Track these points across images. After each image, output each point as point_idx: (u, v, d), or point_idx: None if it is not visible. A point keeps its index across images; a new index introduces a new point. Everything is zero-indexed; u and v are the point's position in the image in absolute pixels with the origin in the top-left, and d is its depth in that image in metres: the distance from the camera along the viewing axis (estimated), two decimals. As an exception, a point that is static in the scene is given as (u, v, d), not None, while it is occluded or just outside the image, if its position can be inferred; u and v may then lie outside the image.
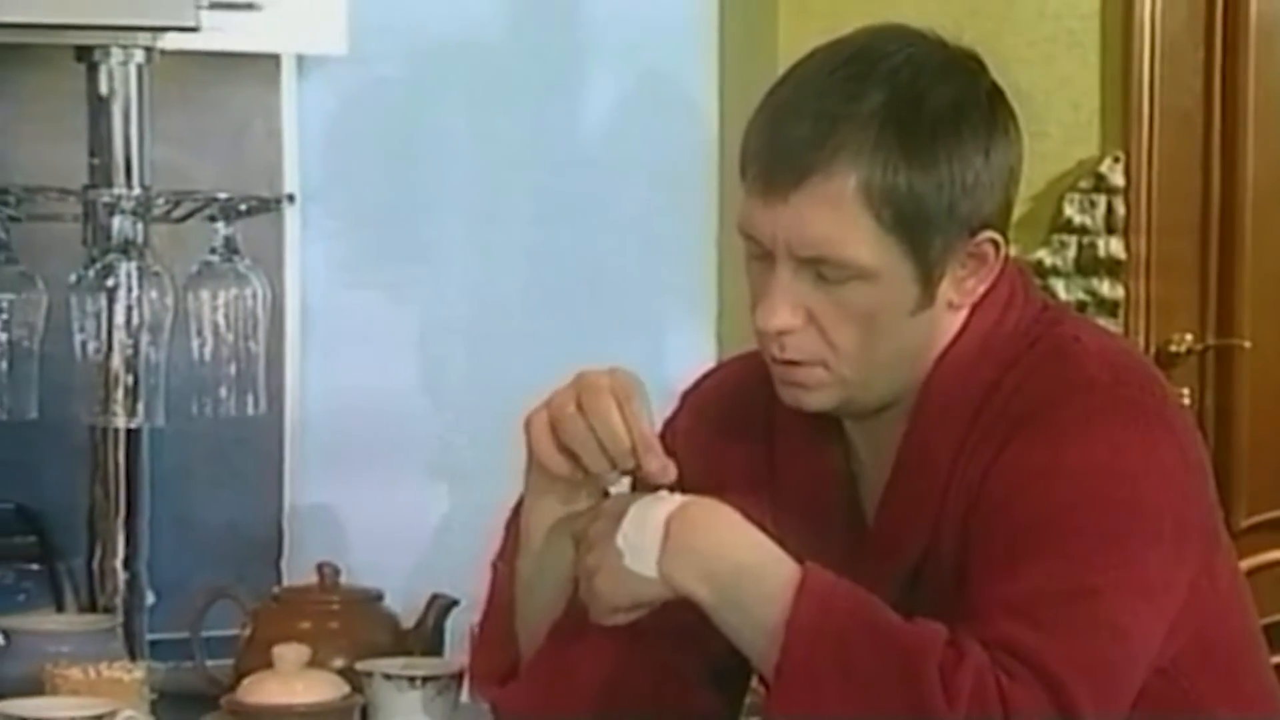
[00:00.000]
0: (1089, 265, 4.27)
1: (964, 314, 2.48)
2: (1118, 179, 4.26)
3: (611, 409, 2.44)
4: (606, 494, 2.51)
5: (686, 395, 2.70)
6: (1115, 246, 4.27)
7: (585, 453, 2.46)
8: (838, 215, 2.39)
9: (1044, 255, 4.22)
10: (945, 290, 2.45)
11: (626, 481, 2.50)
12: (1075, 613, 2.32)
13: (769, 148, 2.43)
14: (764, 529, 2.40)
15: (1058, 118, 4.23)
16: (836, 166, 2.38)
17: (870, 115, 2.39)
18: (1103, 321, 4.04)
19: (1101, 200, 4.26)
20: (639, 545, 2.37)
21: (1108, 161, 4.25)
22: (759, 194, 2.43)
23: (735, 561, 2.38)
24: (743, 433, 2.55)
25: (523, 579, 2.56)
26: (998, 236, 2.45)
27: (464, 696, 2.80)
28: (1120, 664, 2.35)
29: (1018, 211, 4.05)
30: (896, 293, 2.42)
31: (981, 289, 2.47)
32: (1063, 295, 4.21)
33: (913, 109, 2.41)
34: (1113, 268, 4.28)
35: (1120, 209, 4.27)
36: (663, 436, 2.56)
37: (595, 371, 2.47)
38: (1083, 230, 4.27)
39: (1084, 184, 4.25)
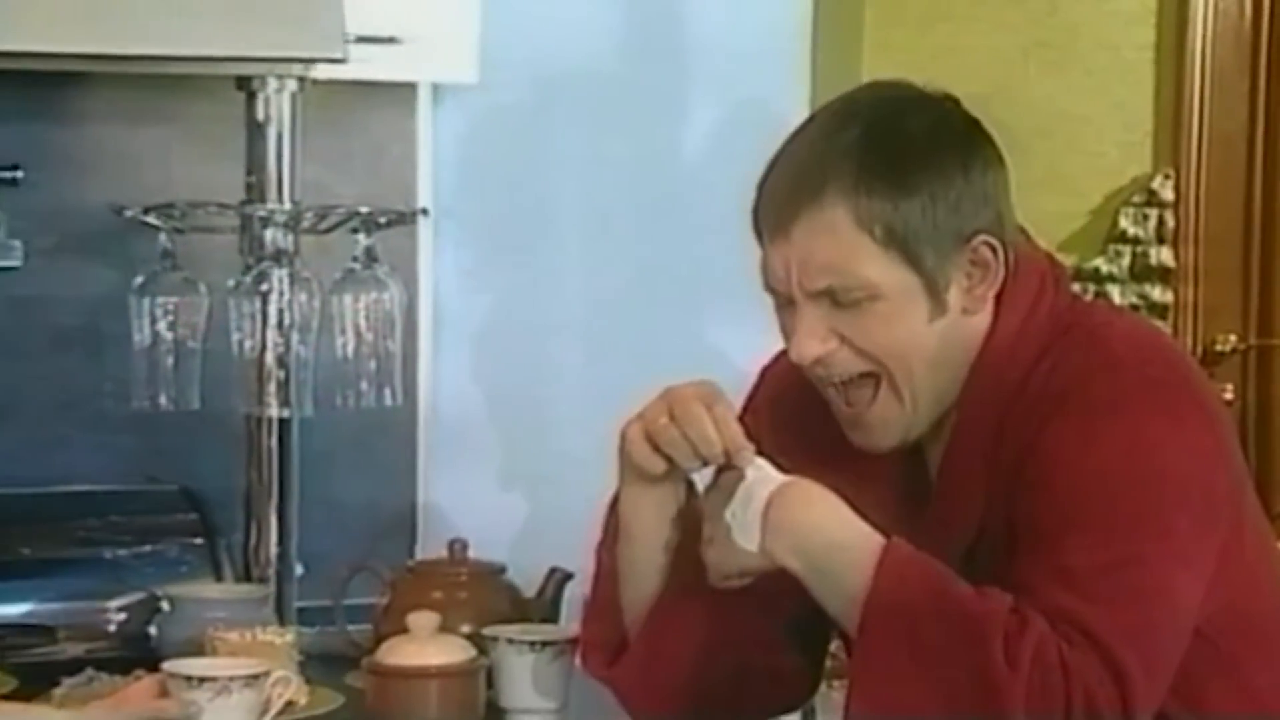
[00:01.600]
0: (1141, 272, 4.26)
1: (988, 316, 2.46)
2: (1168, 194, 4.24)
3: (703, 416, 2.45)
4: (690, 484, 2.52)
5: (765, 371, 2.68)
6: (1165, 255, 4.26)
7: (680, 456, 2.47)
8: (836, 241, 2.39)
9: (1100, 263, 4.21)
10: (955, 298, 2.43)
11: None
12: (1120, 582, 2.31)
13: (769, 194, 2.45)
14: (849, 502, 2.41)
15: (1114, 138, 4.21)
16: (827, 197, 2.39)
17: (851, 145, 2.40)
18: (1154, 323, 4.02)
19: (1153, 213, 4.24)
20: (744, 522, 2.38)
21: (1159, 178, 4.23)
22: (767, 238, 2.45)
23: (826, 537, 2.38)
24: (818, 408, 2.52)
25: (622, 565, 2.57)
26: (992, 240, 2.43)
27: (578, 660, 2.79)
28: (1165, 628, 2.34)
29: (1078, 223, 4.14)
30: (908, 305, 2.42)
31: (992, 293, 2.45)
32: (1117, 300, 4.19)
33: (890, 137, 2.42)
34: (1163, 274, 4.26)
35: (1170, 221, 4.25)
36: (744, 410, 2.57)
37: (681, 385, 2.48)
38: (1136, 241, 4.25)
39: (1137, 199, 4.24)
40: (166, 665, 2.59)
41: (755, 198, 2.47)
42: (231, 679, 2.60)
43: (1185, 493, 2.37)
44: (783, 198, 2.42)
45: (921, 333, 2.43)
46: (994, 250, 2.44)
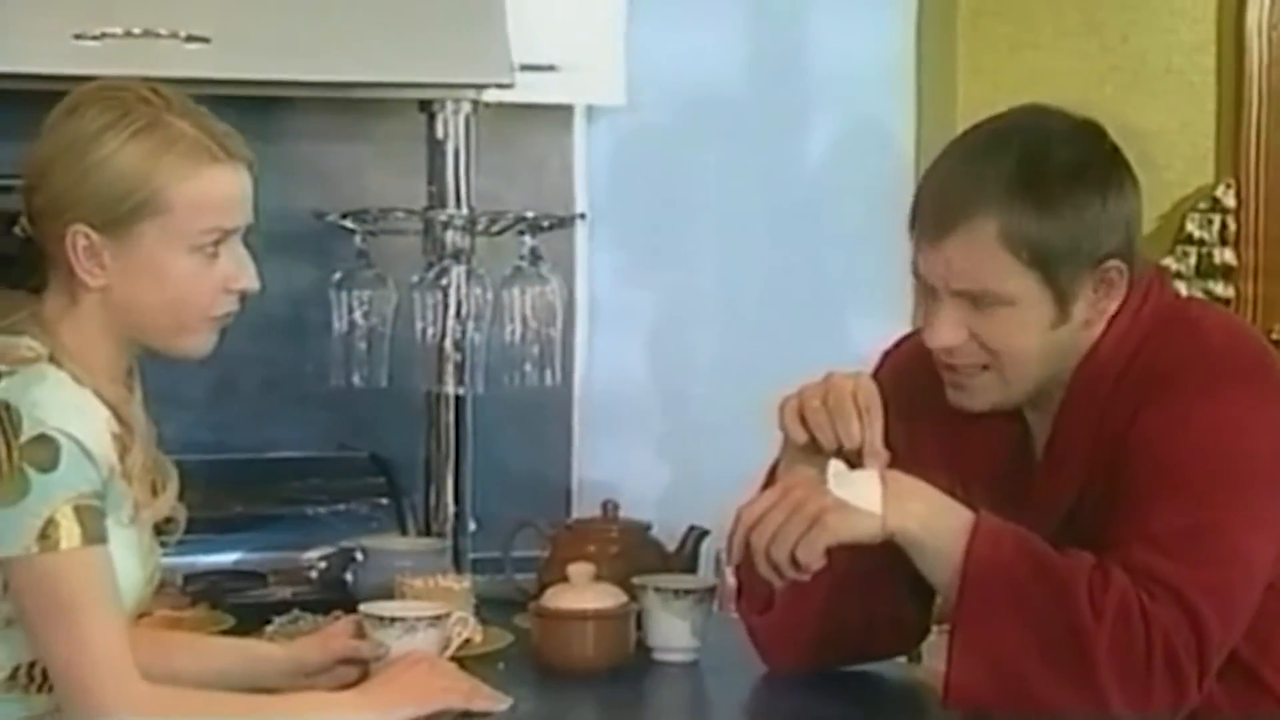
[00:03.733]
0: (1206, 270, 4.21)
1: (1105, 322, 2.44)
2: (1230, 201, 4.19)
3: (853, 410, 2.42)
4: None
5: (888, 354, 2.67)
6: (1228, 255, 4.21)
7: (822, 437, 2.44)
8: (982, 256, 2.37)
9: (1170, 262, 4.16)
10: (1080, 309, 2.41)
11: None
12: (1202, 544, 2.31)
13: (929, 203, 2.43)
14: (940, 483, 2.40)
15: (1181, 153, 4.17)
16: (979, 217, 2.36)
17: (1005, 173, 2.37)
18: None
19: (1217, 218, 4.19)
20: (859, 494, 2.36)
21: (1221, 187, 4.18)
22: (922, 240, 2.42)
23: (929, 507, 2.38)
24: (935, 387, 2.50)
25: None
26: (1121, 265, 2.41)
27: (714, 608, 2.81)
28: (1239, 585, 2.33)
29: (1149, 227, 4.11)
30: (1036, 313, 2.40)
31: (1113, 306, 2.43)
32: (1184, 294, 4.16)
33: (1040, 167, 2.38)
34: (1226, 272, 4.21)
35: (1232, 225, 4.20)
36: (876, 374, 2.53)
37: (842, 375, 2.45)
38: (1201, 242, 4.21)
39: (1202, 205, 4.19)
40: (362, 607, 2.61)
41: (914, 200, 2.44)
42: (418, 619, 2.60)
43: (1264, 467, 2.35)
44: (940, 210, 2.40)
45: (1042, 337, 2.41)
46: (1121, 273, 2.42)
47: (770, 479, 2.54)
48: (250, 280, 2.27)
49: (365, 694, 2.30)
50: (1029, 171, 2.37)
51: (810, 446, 2.45)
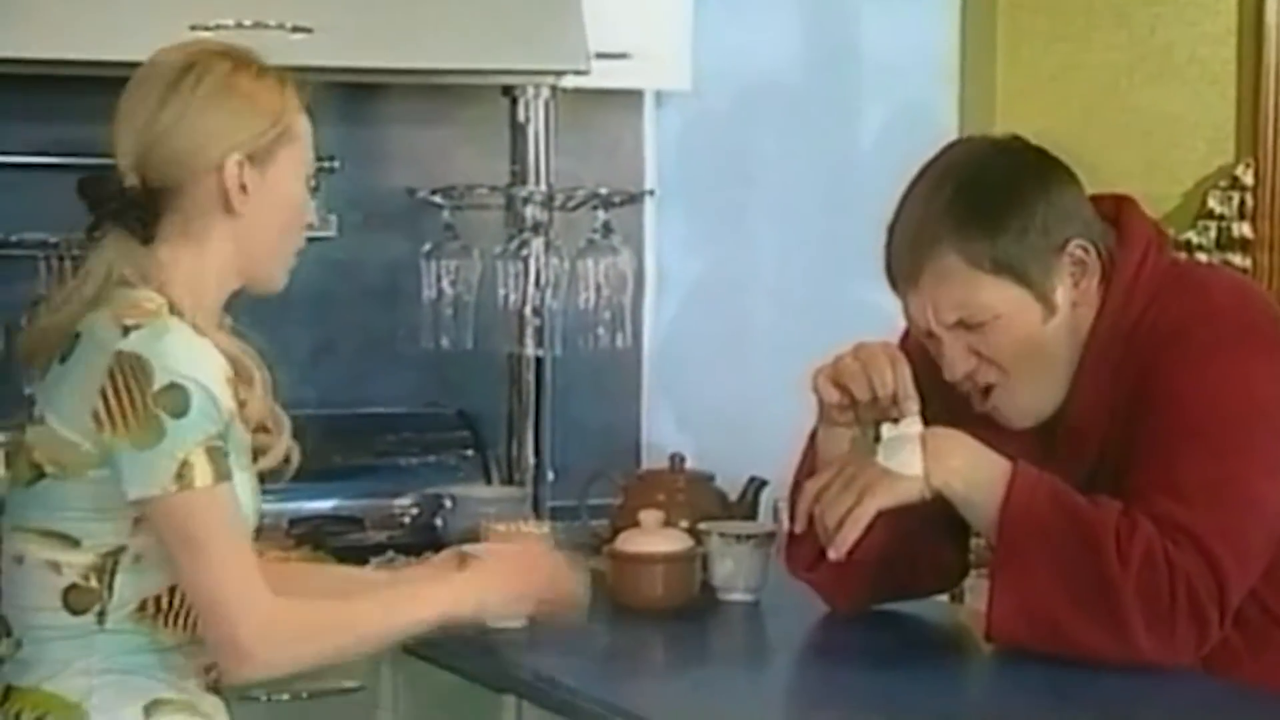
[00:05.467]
0: (1226, 243, 4.17)
1: (1099, 296, 2.41)
2: (1248, 179, 4.14)
3: (885, 365, 2.43)
4: (878, 425, 2.47)
5: None
6: (1245, 229, 4.16)
7: (856, 387, 2.44)
8: (955, 283, 2.37)
9: (1192, 235, 4.13)
10: (1063, 297, 2.39)
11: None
12: (1219, 493, 2.29)
13: (895, 254, 2.43)
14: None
15: (1203, 135, 4.13)
16: (939, 252, 2.36)
17: (948, 204, 2.37)
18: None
19: (1236, 195, 4.15)
20: (903, 461, 2.37)
21: (1240, 166, 4.14)
22: (902, 288, 2.42)
23: (968, 462, 2.37)
24: None
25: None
26: (1084, 243, 2.39)
27: (773, 552, 2.79)
28: (1256, 530, 2.31)
29: (1173, 204, 4.08)
30: (1025, 315, 2.38)
31: (1094, 284, 2.40)
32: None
33: (977, 188, 2.38)
34: (1243, 245, 4.17)
35: (1250, 201, 4.16)
36: (904, 344, 2.52)
37: (870, 341, 2.46)
38: (1221, 217, 4.17)
39: (1222, 183, 4.15)
40: (465, 547, 2.62)
41: (885, 255, 2.44)
42: None
43: (1275, 417, 2.33)
44: (905, 255, 2.40)
45: (1039, 333, 2.39)
46: (1086, 250, 2.39)
47: (810, 444, 2.56)
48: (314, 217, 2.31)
49: (479, 574, 2.35)
50: (967, 197, 2.37)
51: (844, 408, 2.46)
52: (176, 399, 2.03)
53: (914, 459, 2.36)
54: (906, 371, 2.42)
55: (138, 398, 2.03)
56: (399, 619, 2.22)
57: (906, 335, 2.57)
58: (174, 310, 2.10)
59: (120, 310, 2.08)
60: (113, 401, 2.03)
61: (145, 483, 2.04)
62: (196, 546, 2.05)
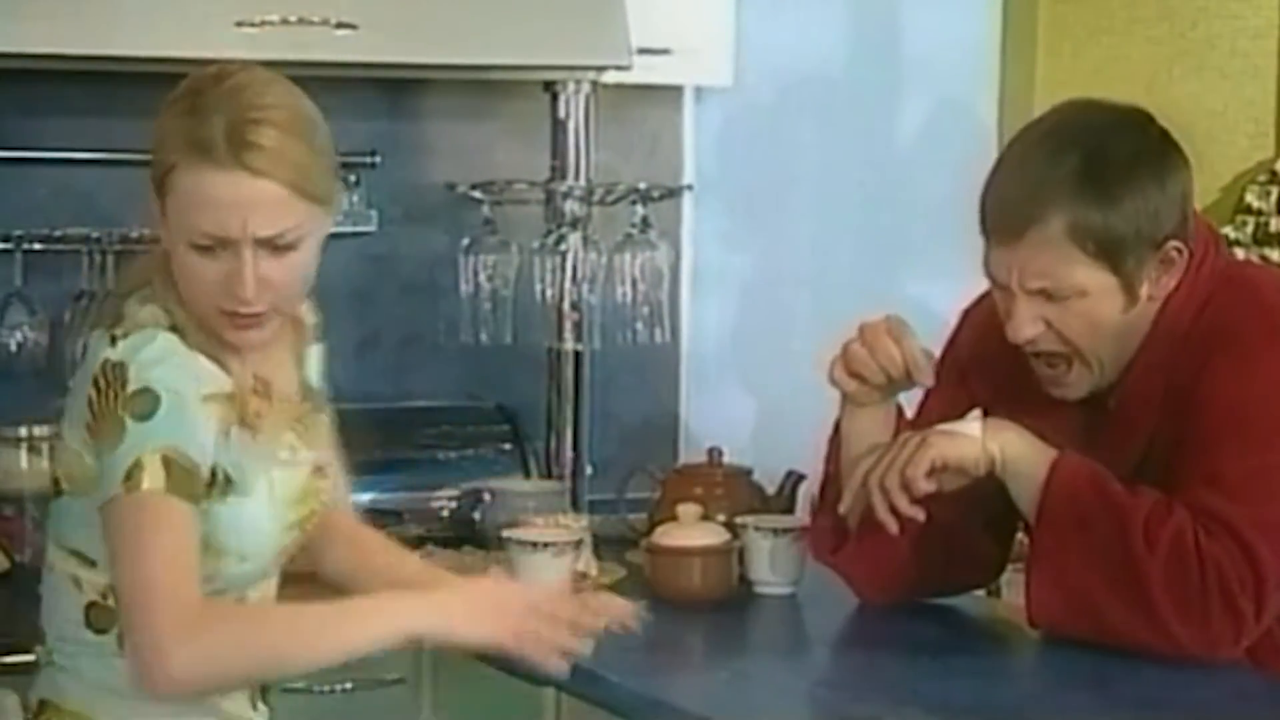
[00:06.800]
0: (1263, 238, 4.16)
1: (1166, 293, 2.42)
2: (1287, 174, 4.16)
3: (887, 338, 2.46)
4: (899, 409, 2.52)
5: (967, 312, 2.67)
6: (1283, 224, 4.19)
7: (868, 372, 2.48)
8: (1053, 254, 2.36)
9: (1229, 230, 4.12)
10: (1145, 290, 2.40)
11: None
12: (1259, 485, 2.30)
13: (996, 209, 2.40)
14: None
15: (1243, 129, 4.13)
16: (1048, 217, 2.34)
17: (1068, 174, 2.35)
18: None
19: (1274, 190, 4.14)
20: (964, 431, 2.40)
21: (1279, 162, 4.16)
22: (994, 242, 2.41)
23: (1022, 437, 2.40)
24: (1012, 344, 2.47)
25: (843, 471, 2.56)
26: (1180, 245, 2.39)
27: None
28: None
29: (1211, 198, 4.08)
30: (1107, 301, 2.39)
31: (1174, 283, 2.41)
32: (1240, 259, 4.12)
33: (1100, 162, 2.36)
34: (1280, 239, 4.20)
35: (1288, 197, 4.18)
36: (948, 345, 2.56)
37: (871, 319, 2.50)
38: (1259, 212, 4.16)
39: (1261, 178, 4.14)
40: (506, 533, 2.60)
41: (982, 203, 2.41)
42: (564, 543, 2.70)
43: None
44: (1011, 211, 2.37)
45: (1115, 321, 2.40)
46: (1180, 252, 2.40)
47: (835, 435, 2.59)
48: (243, 290, 2.02)
49: (446, 595, 2.14)
50: (1090, 168, 2.35)
51: (861, 394, 2.49)
52: (144, 402, 1.96)
53: (973, 424, 2.40)
54: (913, 342, 2.45)
55: (111, 401, 1.98)
56: (350, 631, 2.02)
57: (963, 321, 2.61)
58: (177, 329, 2.03)
59: (119, 323, 2.04)
60: (96, 408, 1.99)
61: (105, 489, 1.98)
62: (133, 547, 1.95)
